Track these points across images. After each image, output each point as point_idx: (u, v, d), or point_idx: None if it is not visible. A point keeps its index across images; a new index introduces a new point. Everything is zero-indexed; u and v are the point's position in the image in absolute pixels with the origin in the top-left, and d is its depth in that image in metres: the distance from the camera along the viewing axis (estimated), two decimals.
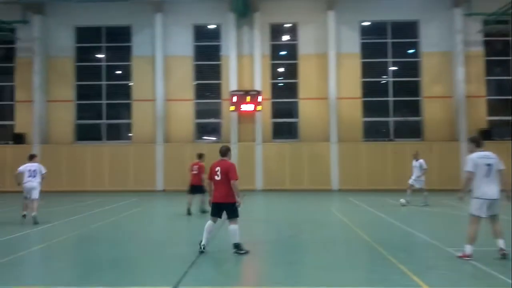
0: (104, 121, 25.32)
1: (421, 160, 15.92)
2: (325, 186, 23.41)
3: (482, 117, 24.13)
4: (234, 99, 23.53)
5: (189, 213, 13.60)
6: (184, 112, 24.86)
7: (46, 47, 24.83)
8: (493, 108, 24.39)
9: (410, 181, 16.12)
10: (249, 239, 10.43)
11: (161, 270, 6.95)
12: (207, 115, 25.39)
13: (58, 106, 24.98)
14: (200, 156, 14.42)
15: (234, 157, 23.63)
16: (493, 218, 7.39)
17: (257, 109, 23.65)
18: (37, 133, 24.36)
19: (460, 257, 7.35)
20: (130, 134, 25.26)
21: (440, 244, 8.60)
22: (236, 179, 7.91)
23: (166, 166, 23.92)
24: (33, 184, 12.01)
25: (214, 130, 25.26)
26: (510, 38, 23.65)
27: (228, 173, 7.88)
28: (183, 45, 24.87)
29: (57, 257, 8.17)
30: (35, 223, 11.59)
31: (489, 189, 7.26)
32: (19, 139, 24.57)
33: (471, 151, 7.57)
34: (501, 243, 7.31)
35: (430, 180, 22.93)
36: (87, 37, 25.36)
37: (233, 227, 7.98)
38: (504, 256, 7.20)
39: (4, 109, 25.48)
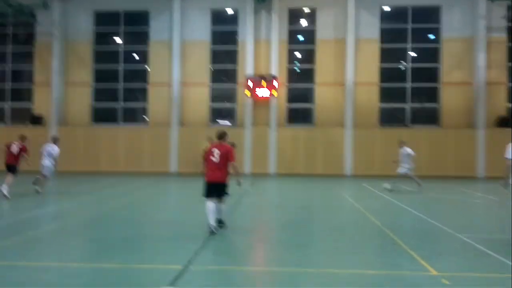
0: (120, 104, 25.58)
1: (408, 148, 15.78)
2: (338, 171, 23.38)
3: (502, 105, 23.68)
4: (250, 84, 23.51)
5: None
6: (200, 96, 24.95)
7: (65, 31, 25.08)
8: None
9: (403, 170, 15.79)
10: (259, 222, 10.56)
11: (172, 250, 7.08)
12: (223, 99, 25.43)
13: (75, 89, 25.30)
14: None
15: (248, 142, 23.83)
16: None
17: (273, 94, 23.60)
18: (55, 115, 24.76)
19: None
20: (145, 118, 25.49)
21: (452, 231, 8.56)
22: (235, 161, 8.43)
23: (180, 149, 24.13)
24: (45, 162, 13.88)
25: (229, 114, 25.31)
26: None
27: (228, 156, 8.29)
28: (200, 30, 24.86)
29: (72, 236, 8.37)
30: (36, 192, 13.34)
31: None
32: (37, 121, 25.00)
33: None
34: None
35: (445, 167, 22.91)
36: (106, 21, 25.53)
37: (223, 206, 8.56)
38: None
39: (23, 92, 25.91)
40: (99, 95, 25.67)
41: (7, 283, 5.25)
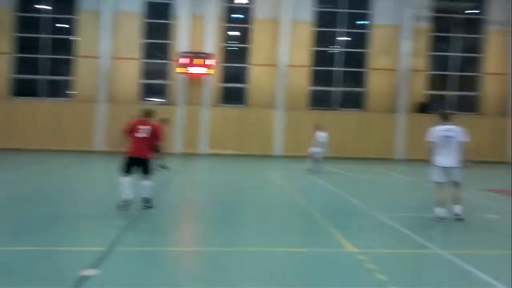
0: (43, 76, 24.08)
1: (322, 133, 16.09)
2: (268, 152, 23.79)
3: (422, 91, 25.16)
4: (183, 60, 23.08)
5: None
6: (130, 71, 24.11)
7: None
8: (433, 82, 25.47)
9: (314, 150, 16.08)
10: (188, 202, 10.55)
11: (95, 231, 6.89)
12: (155, 76, 24.76)
13: None
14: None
15: (180, 120, 23.48)
16: (454, 184, 8.08)
17: (207, 72, 23.36)
18: None
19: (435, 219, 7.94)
20: (71, 92, 24.22)
21: (371, 210, 9.06)
22: (161, 142, 8.81)
23: (108, 126, 23.26)
24: None
25: (161, 91, 24.73)
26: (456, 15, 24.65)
27: (158, 135, 8.54)
28: (133, 1, 23.88)
29: None
30: None
31: (447, 158, 7.91)
32: None
33: (437, 124, 8.19)
34: (457, 208, 7.98)
35: (368, 149, 24.07)
36: None
37: (148, 182, 8.37)
38: (460, 219, 7.90)
39: None
40: (20, 66, 23.95)
41: None
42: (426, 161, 8.42)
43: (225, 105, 24.58)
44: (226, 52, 24.81)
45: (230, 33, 25.13)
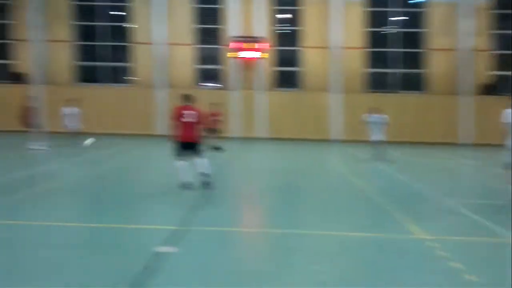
0: (103, 63, 25.01)
1: (377, 115, 14.78)
2: (325, 136, 23.51)
3: (485, 72, 23.89)
4: (235, 45, 23.19)
5: None
6: (185, 57, 24.52)
7: None
8: (497, 63, 24.09)
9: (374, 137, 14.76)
10: (248, 184, 10.67)
11: (165, 211, 7.13)
12: (209, 61, 25.02)
13: (57, 46, 24.54)
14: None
15: (236, 105, 23.68)
16: None
17: (260, 56, 23.35)
18: (37, 73, 24.09)
19: None
20: (131, 78, 25.03)
21: (440, 196, 8.77)
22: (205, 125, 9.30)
23: (167, 111, 23.80)
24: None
25: (215, 76, 25.01)
26: None
27: (203, 119, 8.97)
28: None
29: (65, 196, 8.33)
30: None
31: None
32: (18, 78, 24.30)
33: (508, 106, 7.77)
34: None
35: (430, 133, 23.21)
36: None
37: (203, 159, 8.75)
38: None
39: (3, 47, 25.01)
40: (81, 53, 24.96)
41: None
42: (495, 146, 8.01)
43: (279, 89, 24.50)
44: (278, 36, 24.65)
45: (281, 16, 24.88)
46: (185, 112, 8.63)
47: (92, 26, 24.90)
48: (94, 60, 25.07)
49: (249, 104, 23.70)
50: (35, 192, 8.38)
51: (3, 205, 7.06)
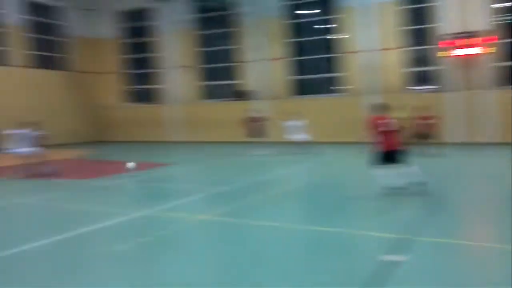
0: (316, 75, 26.39)
1: None
2: None
3: None
4: (449, 43, 21.61)
5: None
6: (394, 61, 23.98)
7: (265, 8, 26.62)
8: None
9: None
10: (471, 194, 9.82)
11: (386, 218, 7.19)
12: (420, 63, 23.93)
13: (275, 64, 26.94)
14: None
15: (454, 107, 21.95)
16: None
17: (480, 52, 21.23)
18: (260, 89, 26.90)
19: None
20: (342, 87, 25.77)
21: None
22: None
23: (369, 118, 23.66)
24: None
25: (428, 78, 23.74)
26: None
27: (398, 127, 9.13)
28: None
29: (291, 201, 9.18)
30: None
31: None
32: (243, 96, 27.57)
33: None
34: None
35: None
36: None
37: (413, 168, 8.80)
38: None
39: (231, 70, 28.75)
40: (296, 68, 26.87)
41: (231, 240, 6.10)
42: None
43: (506, 87, 21.76)
44: (499, 28, 21.92)
45: (501, 5, 22.03)
46: (383, 121, 8.91)
47: (304, 42, 26.59)
48: (308, 73, 26.70)
49: (471, 106, 21.70)
50: (268, 195, 9.46)
51: (241, 207, 8.20)
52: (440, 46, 22.24)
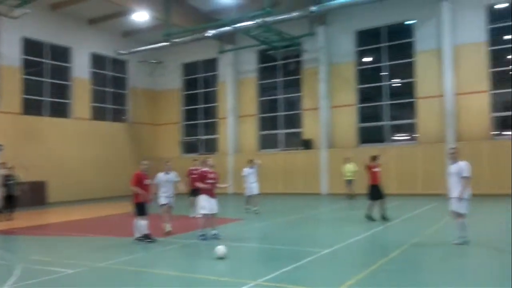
0: (387, 122, 24.71)
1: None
2: None
3: None
4: None
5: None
6: (479, 105, 22.05)
7: (329, 55, 25.70)
8: None
9: None
10: None
11: None
12: (507, 106, 21.87)
13: (341, 111, 25.58)
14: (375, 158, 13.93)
15: None
16: None
17: None
18: (324, 138, 25.45)
19: None
20: (414, 135, 23.91)
21: None
22: None
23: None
24: None
25: None
26: None
27: None
28: (473, 31, 22.14)
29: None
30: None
31: None
32: (307, 144, 26.18)
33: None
34: None
35: None
36: (367, 39, 25.22)
37: None
38: None
39: (294, 118, 27.61)
40: (364, 115, 25.36)
41: None
42: None
43: None
44: None
45: None
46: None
47: (373, 87, 25.18)
48: (375, 120, 25.08)
49: None
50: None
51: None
52: None
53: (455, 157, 9.40)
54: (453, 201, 9.28)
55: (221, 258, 8.31)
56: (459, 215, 9.24)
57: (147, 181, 11.00)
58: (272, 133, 28.32)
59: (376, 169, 13.63)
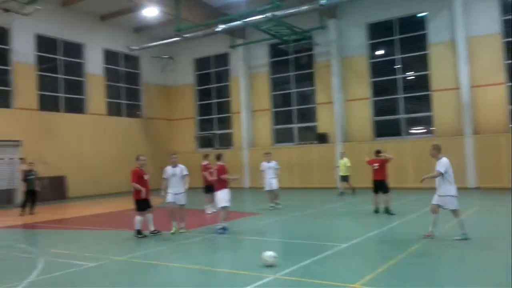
0: (402, 115, 24.51)
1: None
2: None
3: None
4: None
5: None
6: (495, 98, 21.75)
7: (341, 49, 25.55)
8: None
9: None
10: None
11: None
12: None
13: (356, 104, 25.44)
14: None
15: None
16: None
17: None
18: (339, 132, 25.36)
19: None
20: (431, 128, 23.70)
21: None
22: None
23: (477, 161, 21.35)
24: None
25: None
26: None
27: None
28: (488, 23, 21.81)
29: None
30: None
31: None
32: (322, 138, 26.11)
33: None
34: None
35: None
36: (379, 32, 24.99)
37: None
38: None
39: (308, 112, 27.54)
40: (379, 108, 25.19)
41: None
42: None
43: None
44: None
45: None
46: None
47: (387, 81, 24.96)
48: (390, 114, 24.89)
49: None
50: None
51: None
52: None
53: (434, 154, 9.43)
54: (436, 198, 9.35)
55: (270, 266, 7.37)
56: (454, 212, 9.31)
57: (146, 177, 11.06)
58: (286, 127, 28.29)
59: (375, 165, 13.71)
